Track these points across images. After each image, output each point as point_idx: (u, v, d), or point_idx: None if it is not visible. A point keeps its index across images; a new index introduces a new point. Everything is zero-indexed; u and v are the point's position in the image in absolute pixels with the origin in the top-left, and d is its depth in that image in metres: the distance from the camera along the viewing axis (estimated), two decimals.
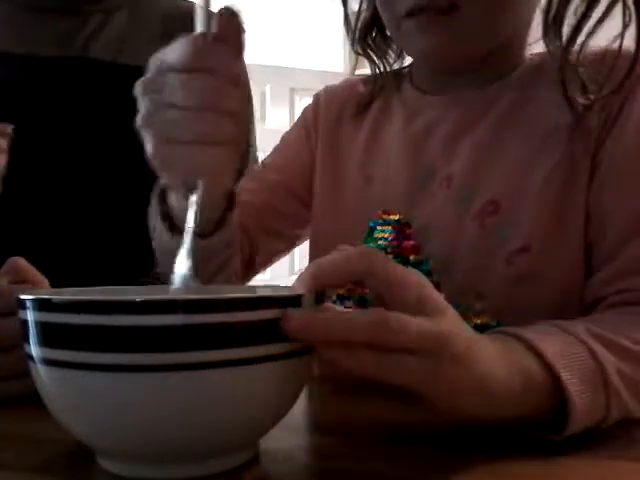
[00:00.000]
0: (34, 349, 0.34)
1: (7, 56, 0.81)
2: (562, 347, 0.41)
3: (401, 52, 0.71)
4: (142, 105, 0.44)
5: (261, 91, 3.14)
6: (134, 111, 0.45)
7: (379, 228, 0.64)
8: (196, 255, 0.45)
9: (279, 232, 0.73)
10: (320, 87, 0.77)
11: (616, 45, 0.54)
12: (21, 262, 0.53)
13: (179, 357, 0.31)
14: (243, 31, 0.44)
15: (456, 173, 0.62)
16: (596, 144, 0.57)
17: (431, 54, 0.60)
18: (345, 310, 0.38)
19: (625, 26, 0.54)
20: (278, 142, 0.77)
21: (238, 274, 0.66)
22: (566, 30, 0.56)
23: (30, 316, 0.33)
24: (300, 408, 0.48)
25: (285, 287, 0.39)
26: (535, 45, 0.63)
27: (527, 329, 0.42)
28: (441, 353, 0.34)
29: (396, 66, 0.72)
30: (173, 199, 0.54)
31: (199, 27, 0.44)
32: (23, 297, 0.34)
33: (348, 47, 0.73)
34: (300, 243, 0.78)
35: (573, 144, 0.57)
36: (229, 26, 0.43)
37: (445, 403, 0.36)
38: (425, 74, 0.68)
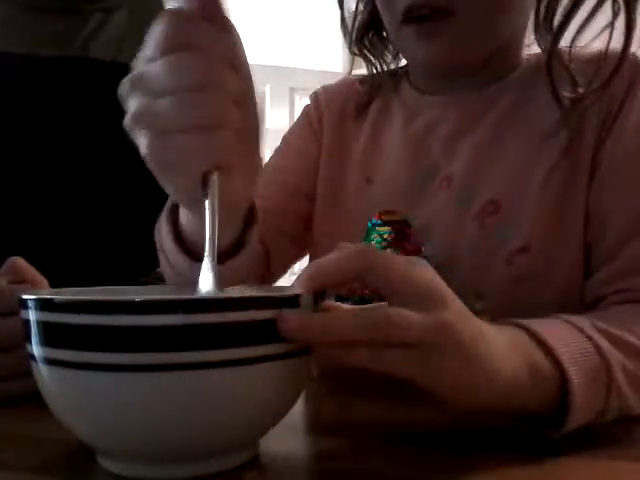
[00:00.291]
0: (36, 349, 0.34)
1: (6, 56, 0.81)
2: (570, 342, 0.41)
3: (398, 53, 0.71)
4: (130, 104, 0.38)
5: (261, 91, 3.14)
6: None
7: (378, 228, 0.64)
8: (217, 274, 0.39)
9: (295, 236, 0.71)
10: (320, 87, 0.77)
11: (605, 39, 0.55)
12: (20, 262, 0.53)
13: (179, 357, 0.31)
14: (224, 5, 0.39)
15: (456, 173, 0.62)
16: (596, 144, 0.57)
17: (433, 61, 0.60)
18: (344, 307, 0.37)
19: (614, 15, 0.54)
20: (279, 143, 0.76)
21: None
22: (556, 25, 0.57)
23: (32, 316, 0.33)
24: (299, 408, 0.48)
25: (285, 287, 0.39)
26: (533, 46, 0.63)
27: (536, 322, 0.42)
28: (444, 347, 0.34)
29: (393, 66, 0.72)
30: (184, 218, 0.48)
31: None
32: (25, 297, 0.34)
33: (341, 30, 0.72)
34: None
35: (573, 144, 0.57)
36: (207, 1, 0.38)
37: (449, 397, 0.36)
38: (423, 76, 0.68)
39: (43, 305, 0.33)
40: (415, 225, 0.62)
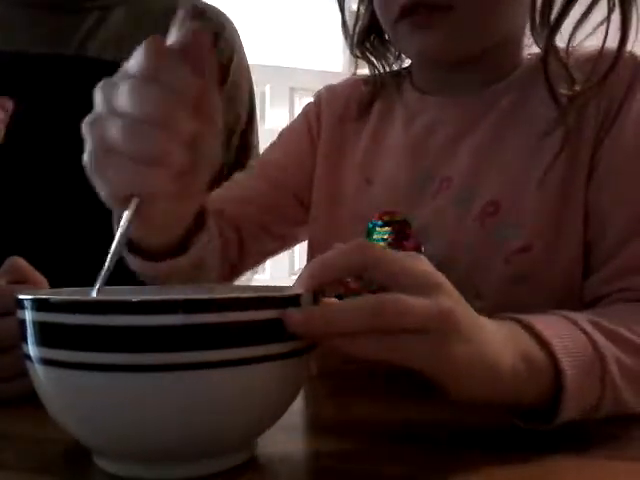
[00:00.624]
0: (32, 349, 0.34)
1: (2, 55, 0.81)
2: (565, 335, 0.41)
3: (399, 54, 0.71)
4: (95, 107, 0.41)
5: (261, 91, 3.14)
6: None
7: (379, 229, 0.64)
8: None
9: (276, 232, 0.72)
10: (320, 87, 0.77)
11: (602, 36, 0.55)
12: (20, 262, 0.53)
13: (177, 357, 0.31)
14: (210, 52, 0.41)
15: (456, 174, 0.62)
16: (594, 144, 0.57)
17: (428, 52, 0.61)
18: (343, 300, 0.38)
19: (610, 11, 0.54)
20: (276, 138, 0.76)
21: (214, 278, 0.62)
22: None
23: (28, 316, 0.33)
24: (299, 408, 0.48)
25: (284, 287, 0.40)
26: (534, 46, 0.63)
27: (531, 316, 0.42)
28: (443, 332, 0.35)
29: (395, 67, 0.72)
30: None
31: (175, 26, 0.40)
32: (21, 297, 0.34)
33: (342, 33, 0.73)
34: (294, 243, 0.77)
35: (571, 144, 0.57)
36: (195, 41, 0.40)
37: (449, 383, 0.37)
38: (424, 74, 0.68)
39: (39, 305, 0.33)
40: (415, 225, 0.63)
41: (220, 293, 0.41)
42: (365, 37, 0.70)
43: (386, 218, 0.64)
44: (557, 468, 0.37)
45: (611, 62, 0.55)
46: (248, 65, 0.94)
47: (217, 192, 0.68)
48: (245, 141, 0.93)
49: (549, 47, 0.57)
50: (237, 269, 0.70)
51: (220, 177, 0.73)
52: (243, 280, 0.79)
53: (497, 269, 0.58)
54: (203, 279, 0.56)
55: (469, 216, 0.60)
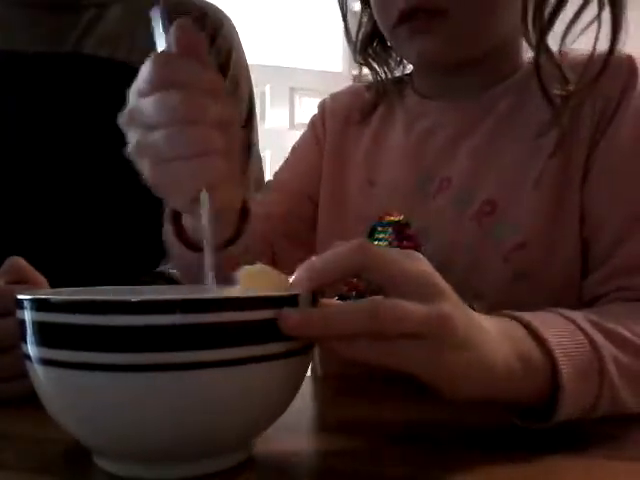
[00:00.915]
0: (31, 349, 0.34)
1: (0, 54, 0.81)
2: (562, 334, 0.41)
3: (401, 60, 0.72)
4: (130, 136, 0.44)
5: (261, 91, 3.14)
6: None
7: (379, 229, 0.65)
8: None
9: (301, 238, 0.72)
10: (320, 87, 0.78)
11: (593, 34, 0.55)
12: (20, 262, 0.53)
13: (175, 357, 0.31)
14: (203, 41, 0.43)
15: (455, 176, 0.63)
16: (590, 144, 0.57)
17: (427, 56, 0.61)
18: (342, 303, 0.38)
19: (600, 8, 0.55)
20: (289, 153, 0.78)
21: None
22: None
23: (27, 316, 0.33)
24: (302, 408, 0.48)
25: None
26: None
27: (530, 314, 0.42)
28: (440, 338, 0.35)
29: (397, 73, 0.73)
30: (186, 220, 0.54)
31: (159, 32, 0.43)
32: (20, 297, 0.34)
33: (348, 47, 0.74)
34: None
35: (567, 144, 0.58)
36: (190, 38, 0.43)
37: (445, 387, 0.37)
38: (425, 79, 0.69)
39: (38, 305, 0.33)
40: (415, 226, 0.63)
41: (218, 293, 0.40)
42: (368, 44, 0.72)
43: (387, 219, 0.65)
44: (557, 468, 0.37)
45: (603, 61, 0.55)
46: (247, 63, 0.94)
47: None
48: (245, 139, 0.93)
49: (540, 48, 0.57)
50: None
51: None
52: None
53: (496, 268, 0.58)
54: None
55: (467, 216, 0.61)
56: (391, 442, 0.41)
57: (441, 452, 0.39)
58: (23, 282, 0.52)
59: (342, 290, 0.64)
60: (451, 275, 0.38)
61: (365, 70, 0.74)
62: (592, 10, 0.56)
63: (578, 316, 0.44)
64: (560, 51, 0.57)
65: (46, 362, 0.33)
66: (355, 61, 0.74)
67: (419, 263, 0.37)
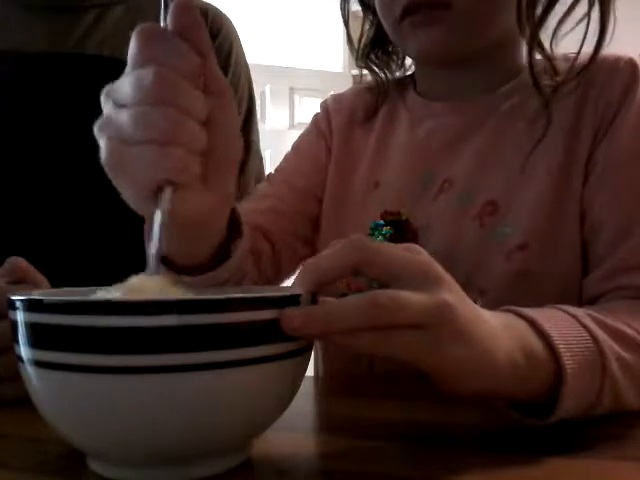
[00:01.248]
0: (24, 350, 0.33)
1: (1, 54, 0.81)
2: (565, 329, 0.41)
3: (402, 63, 0.73)
4: (103, 111, 0.40)
5: (261, 91, 3.14)
6: None
7: (381, 229, 0.65)
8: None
9: (306, 237, 0.73)
10: (320, 87, 0.79)
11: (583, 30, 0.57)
12: (21, 262, 0.53)
13: (172, 359, 0.30)
14: (202, 26, 0.39)
15: (457, 176, 0.63)
16: (591, 145, 0.58)
17: (429, 51, 0.62)
18: (342, 298, 0.37)
19: (590, 6, 0.57)
20: (289, 151, 0.77)
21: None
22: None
23: (20, 317, 0.33)
24: (302, 408, 0.48)
25: (282, 287, 0.39)
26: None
27: (533, 310, 0.42)
28: (441, 326, 0.35)
29: (398, 75, 0.74)
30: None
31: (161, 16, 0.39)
32: (13, 298, 0.33)
33: (348, 47, 0.75)
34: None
35: (569, 145, 0.59)
36: (185, 17, 0.39)
37: (446, 377, 0.37)
38: (427, 79, 0.70)
39: (31, 306, 0.32)
40: (417, 225, 0.64)
41: (217, 294, 0.40)
42: (370, 49, 0.72)
43: (388, 218, 0.65)
44: (559, 469, 0.37)
45: (591, 54, 0.57)
46: (247, 62, 0.94)
47: (243, 205, 0.68)
48: (245, 137, 0.93)
49: (533, 42, 0.58)
50: (273, 280, 0.70)
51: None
52: None
53: (498, 268, 0.58)
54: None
55: (469, 216, 0.61)
56: (391, 442, 0.41)
57: (441, 452, 0.39)
58: (23, 282, 0.52)
59: (342, 289, 0.65)
60: (453, 275, 0.38)
61: (366, 71, 0.74)
62: (582, 8, 0.57)
63: (580, 313, 0.44)
64: (550, 44, 0.58)
65: (39, 364, 0.32)
66: (357, 66, 0.74)
67: (418, 254, 0.37)
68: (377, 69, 0.73)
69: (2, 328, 0.46)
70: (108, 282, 0.44)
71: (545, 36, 0.59)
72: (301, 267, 0.37)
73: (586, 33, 0.57)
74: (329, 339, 0.35)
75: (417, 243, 0.62)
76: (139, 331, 0.30)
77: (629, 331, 0.44)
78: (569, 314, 0.43)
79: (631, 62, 0.59)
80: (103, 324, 0.30)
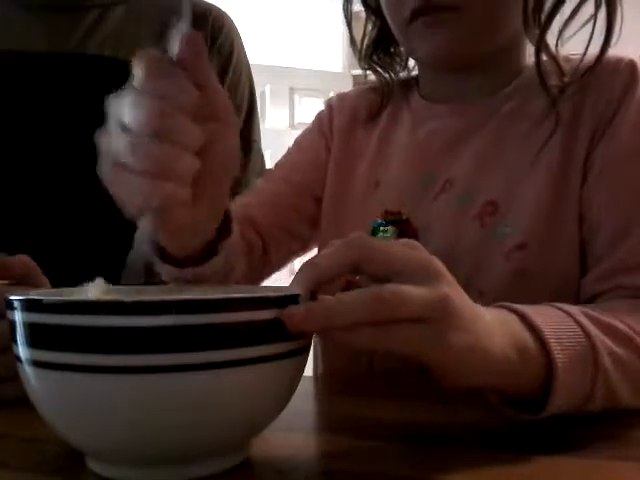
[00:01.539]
0: (22, 350, 0.33)
1: (2, 55, 0.81)
2: (556, 324, 0.42)
3: (406, 64, 0.74)
4: (108, 124, 0.41)
5: (261, 91, 3.14)
6: None
7: (382, 228, 0.65)
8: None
9: (297, 232, 0.73)
10: (320, 87, 0.79)
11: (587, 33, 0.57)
12: (28, 261, 0.53)
13: (170, 359, 0.30)
14: (204, 56, 0.40)
15: (457, 177, 0.64)
16: (590, 145, 0.58)
17: (438, 53, 0.62)
18: (343, 294, 0.37)
19: (597, 8, 0.57)
20: (291, 146, 0.78)
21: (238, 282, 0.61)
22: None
23: (18, 317, 0.33)
24: (302, 408, 0.48)
25: (281, 287, 0.39)
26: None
27: (526, 306, 0.43)
28: (443, 319, 0.35)
29: (402, 76, 0.74)
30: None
31: (182, 27, 0.40)
32: (12, 298, 0.33)
33: (348, 47, 0.75)
34: (315, 245, 0.78)
35: (567, 146, 0.59)
36: (191, 50, 0.40)
37: (447, 370, 0.37)
38: (431, 82, 0.70)
39: (29, 306, 0.32)
40: (418, 226, 0.64)
41: (216, 294, 0.40)
42: (373, 50, 0.73)
43: (389, 218, 0.65)
44: (558, 468, 0.37)
45: (597, 55, 0.57)
46: (248, 61, 0.95)
47: (239, 198, 0.70)
48: (245, 136, 0.93)
49: (541, 44, 0.59)
50: (261, 273, 0.71)
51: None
52: None
53: (497, 268, 0.59)
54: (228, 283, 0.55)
55: (469, 216, 0.61)
56: (391, 442, 0.41)
57: (441, 452, 0.39)
58: (24, 283, 0.52)
59: (342, 288, 0.65)
60: (453, 275, 0.38)
61: (369, 71, 0.74)
62: (587, 8, 0.58)
63: (574, 309, 0.44)
64: (556, 44, 0.59)
65: (37, 364, 0.32)
66: (360, 67, 0.75)
67: (417, 250, 0.37)
68: (381, 70, 0.73)
69: (1, 328, 0.47)
70: (110, 282, 0.44)
71: (550, 37, 0.59)
72: (300, 267, 0.37)
73: (592, 34, 0.57)
74: (330, 335, 0.35)
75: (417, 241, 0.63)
76: (138, 331, 0.30)
77: (621, 326, 0.44)
78: (562, 311, 0.44)
79: (631, 63, 0.59)
80: (101, 324, 0.30)
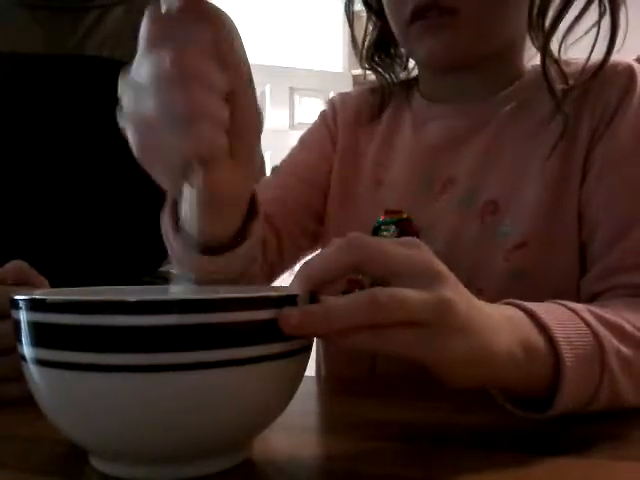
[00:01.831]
0: (26, 349, 0.33)
1: (1, 56, 0.81)
2: (565, 322, 0.42)
3: (406, 65, 0.74)
4: (123, 104, 0.39)
5: (261, 91, 3.14)
6: None
7: (384, 227, 0.65)
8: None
9: (307, 229, 0.73)
10: (320, 87, 0.79)
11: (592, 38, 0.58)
12: (22, 265, 0.53)
13: (172, 357, 0.30)
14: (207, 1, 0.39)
15: (458, 176, 0.64)
16: (589, 146, 0.59)
17: (437, 54, 0.62)
18: (341, 297, 0.37)
19: (599, 20, 0.57)
20: (297, 144, 0.78)
21: (254, 278, 0.58)
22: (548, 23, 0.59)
23: (22, 316, 0.33)
24: (302, 408, 0.48)
25: (281, 287, 0.39)
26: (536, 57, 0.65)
27: (534, 304, 0.42)
28: (441, 324, 0.35)
29: (403, 77, 0.75)
30: (180, 209, 0.47)
31: None
32: (17, 297, 0.33)
33: (348, 47, 0.76)
34: (320, 243, 0.78)
35: (567, 147, 0.59)
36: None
37: (446, 373, 0.37)
38: (431, 83, 0.70)
39: (34, 305, 0.33)
40: (419, 224, 0.64)
41: (216, 293, 0.40)
42: (374, 51, 0.73)
43: (391, 217, 0.66)
44: (559, 469, 0.37)
45: (602, 59, 0.58)
46: (248, 61, 0.94)
47: None
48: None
49: (546, 50, 0.59)
50: (276, 269, 0.70)
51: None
52: None
53: (497, 266, 0.59)
54: (246, 279, 0.54)
55: (470, 216, 0.62)
56: (392, 442, 0.41)
57: (441, 452, 0.39)
58: (25, 284, 0.52)
59: (344, 287, 0.65)
60: (455, 272, 0.38)
61: (369, 72, 0.75)
62: (590, 14, 0.58)
63: (580, 308, 0.44)
64: (559, 49, 0.59)
65: (41, 363, 0.33)
66: (361, 67, 0.75)
67: (418, 250, 0.37)
68: (382, 70, 0.73)
69: (5, 328, 0.47)
70: (109, 282, 0.44)
71: (553, 41, 0.60)
72: (300, 266, 0.37)
73: (596, 39, 0.57)
74: (328, 338, 0.35)
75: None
76: (140, 330, 0.30)
77: (628, 327, 0.44)
78: (568, 308, 0.44)
79: (629, 66, 0.60)
80: (104, 323, 0.30)
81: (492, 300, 0.43)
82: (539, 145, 0.61)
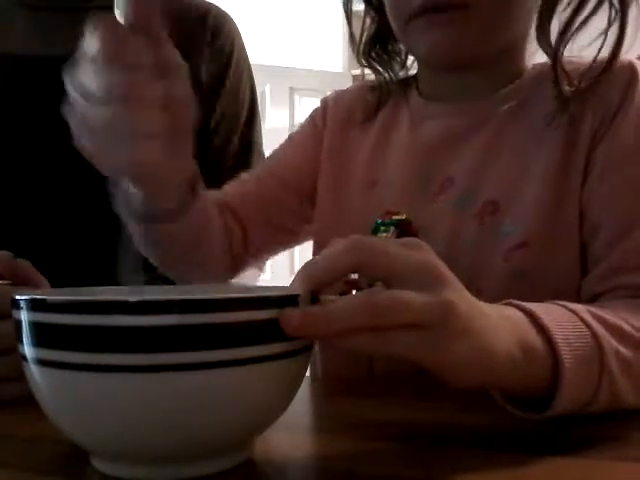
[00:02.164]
0: (27, 349, 0.33)
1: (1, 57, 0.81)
2: (565, 324, 0.41)
3: (405, 63, 0.73)
4: (70, 94, 0.45)
5: (261, 91, 3.14)
6: None
7: (382, 227, 0.65)
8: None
9: (282, 225, 0.74)
10: (320, 87, 0.79)
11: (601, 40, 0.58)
12: (23, 264, 0.53)
13: (173, 357, 0.31)
14: (157, 15, 0.43)
15: (457, 176, 0.63)
16: (590, 146, 0.58)
17: (440, 51, 0.61)
18: (341, 298, 0.37)
19: (610, 22, 0.57)
20: (285, 140, 0.79)
21: (217, 261, 0.67)
22: (558, 28, 0.59)
23: (24, 316, 0.33)
24: (302, 408, 0.48)
25: (282, 287, 0.39)
26: (536, 55, 0.65)
27: (533, 304, 0.42)
28: (442, 326, 0.35)
29: (401, 75, 0.74)
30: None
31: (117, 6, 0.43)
32: (17, 297, 0.34)
33: (348, 47, 0.76)
34: (303, 240, 0.78)
35: (568, 146, 0.59)
36: (143, 12, 0.43)
37: (447, 374, 0.37)
38: (430, 81, 0.70)
39: (35, 305, 0.33)
40: (418, 225, 0.64)
41: (217, 293, 0.40)
42: (371, 47, 0.73)
43: (389, 217, 0.65)
44: (558, 469, 0.37)
45: (607, 61, 0.57)
46: (249, 62, 0.95)
47: (223, 188, 0.72)
48: (246, 137, 0.93)
49: (557, 56, 0.59)
50: (242, 260, 0.72)
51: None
52: (249, 279, 0.79)
53: (496, 267, 0.59)
54: (205, 257, 0.62)
55: (469, 216, 0.61)
56: (392, 442, 0.41)
57: (441, 452, 0.39)
58: (26, 284, 0.52)
59: (341, 289, 0.65)
60: (454, 272, 0.38)
61: (367, 71, 0.74)
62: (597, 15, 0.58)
63: (580, 308, 0.44)
64: (562, 51, 0.59)
65: (42, 363, 0.33)
66: (358, 62, 0.74)
67: (419, 251, 0.37)
68: (380, 67, 0.73)
69: (6, 328, 0.47)
70: (109, 283, 0.44)
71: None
72: (301, 267, 0.37)
73: (604, 40, 0.57)
74: (328, 339, 0.35)
75: None
76: (141, 330, 0.30)
77: (627, 328, 0.44)
78: (568, 309, 0.44)
79: (630, 64, 0.60)
80: (106, 323, 0.30)
81: (492, 300, 0.43)
82: (540, 144, 0.60)
